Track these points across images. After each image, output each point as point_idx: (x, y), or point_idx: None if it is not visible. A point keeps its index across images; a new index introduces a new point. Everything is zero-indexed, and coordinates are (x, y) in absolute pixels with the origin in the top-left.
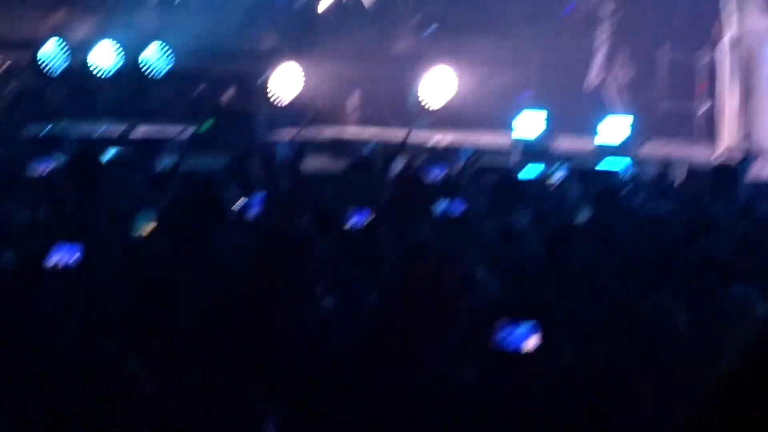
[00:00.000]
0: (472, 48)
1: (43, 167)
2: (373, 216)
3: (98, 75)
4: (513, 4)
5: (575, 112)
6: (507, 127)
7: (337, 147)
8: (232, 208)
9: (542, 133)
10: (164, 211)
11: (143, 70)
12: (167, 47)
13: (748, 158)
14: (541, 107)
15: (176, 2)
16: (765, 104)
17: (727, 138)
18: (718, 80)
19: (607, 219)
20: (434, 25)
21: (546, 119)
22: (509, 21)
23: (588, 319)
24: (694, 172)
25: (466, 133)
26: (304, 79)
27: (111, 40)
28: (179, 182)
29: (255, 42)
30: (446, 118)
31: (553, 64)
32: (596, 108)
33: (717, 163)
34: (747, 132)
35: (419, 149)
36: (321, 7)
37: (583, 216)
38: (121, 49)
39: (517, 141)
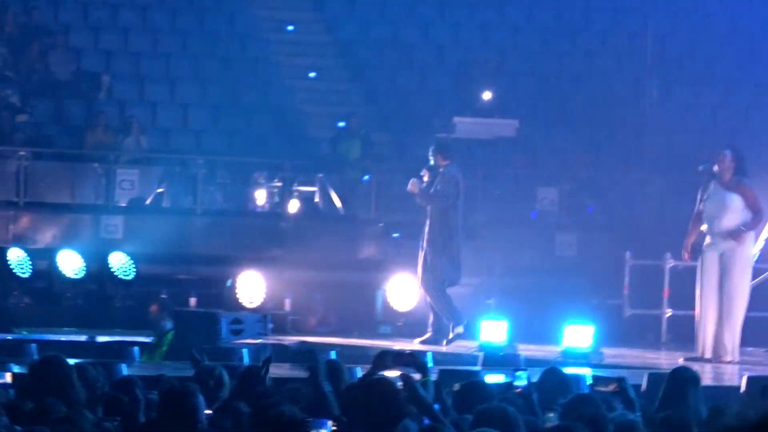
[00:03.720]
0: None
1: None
2: (336, 427)
3: (63, 281)
4: (478, 214)
5: (538, 320)
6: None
7: (302, 354)
8: (201, 416)
9: (506, 341)
10: (129, 419)
11: (107, 277)
12: (129, 255)
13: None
14: (502, 316)
15: (136, 214)
16: (736, 311)
17: (699, 344)
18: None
19: (573, 426)
20: (397, 234)
21: (508, 329)
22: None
23: None
24: (655, 380)
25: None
26: (266, 286)
27: (73, 249)
28: (145, 389)
29: (218, 249)
30: (410, 326)
31: (516, 270)
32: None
33: (674, 368)
34: (718, 338)
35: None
36: (289, 212)
37: (550, 422)
38: (82, 258)
39: (483, 347)
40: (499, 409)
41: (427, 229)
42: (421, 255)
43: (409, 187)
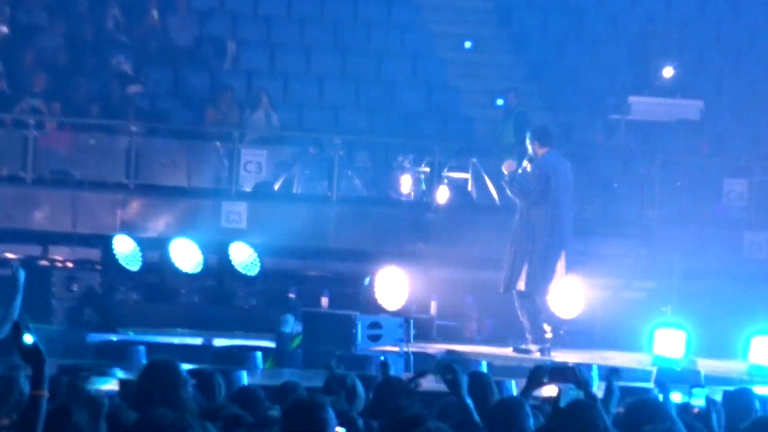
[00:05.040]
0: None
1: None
2: None
3: (177, 275)
4: (654, 208)
5: (722, 331)
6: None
7: (441, 365)
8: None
9: (684, 354)
10: None
11: (228, 272)
12: (254, 247)
13: None
14: (680, 326)
15: (263, 201)
16: None
17: None
18: None
19: None
20: None
21: (686, 340)
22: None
23: None
24: None
25: (595, 352)
26: (409, 285)
27: (189, 239)
28: (270, 402)
29: (355, 242)
30: (573, 335)
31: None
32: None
33: None
34: None
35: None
36: (438, 201)
37: None
38: (200, 249)
39: (657, 360)
40: None
41: (514, 227)
42: (510, 256)
43: (504, 167)
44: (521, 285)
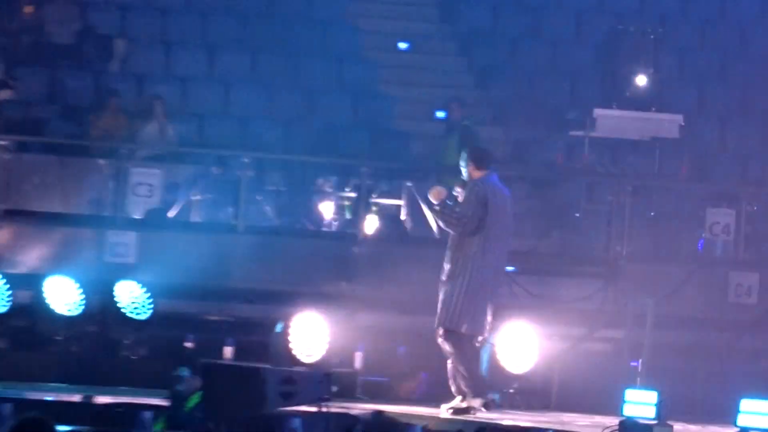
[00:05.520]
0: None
1: None
2: None
3: (52, 319)
4: (623, 243)
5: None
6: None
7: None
8: None
9: (656, 416)
10: None
11: (113, 315)
12: (144, 286)
13: None
14: (652, 385)
15: (156, 231)
16: None
17: None
18: None
19: None
20: (512, 268)
21: (658, 401)
22: (614, 261)
23: None
24: None
25: (552, 415)
26: (330, 333)
27: (67, 276)
28: None
29: (265, 281)
30: (526, 394)
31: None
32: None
33: None
34: None
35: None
36: (365, 232)
37: None
38: (80, 288)
39: (626, 425)
40: None
41: (445, 260)
42: (440, 294)
43: (431, 194)
44: (454, 326)
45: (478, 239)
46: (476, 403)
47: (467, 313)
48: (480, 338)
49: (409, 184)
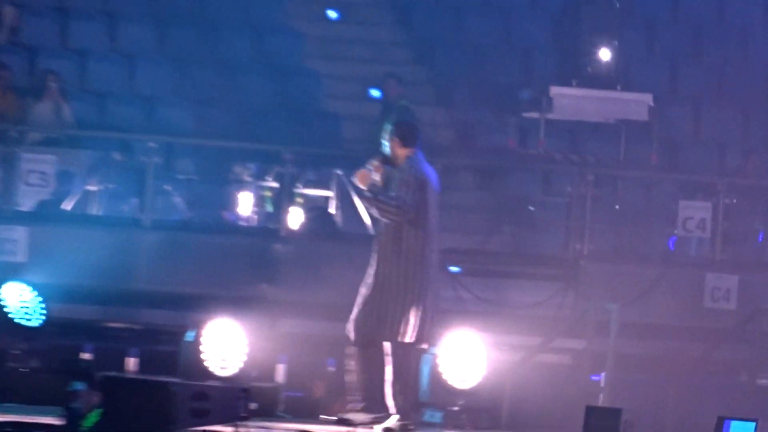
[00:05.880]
0: None
1: None
2: None
3: None
4: (584, 240)
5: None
6: None
7: None
8: None
9: None
10: None
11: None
12: (35, 288)
13: None
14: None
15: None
16: None
17: None
18: None
19: None
20: (456, 268)
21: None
22: (574, 260)
23: None
24: None
25: None
26: (248, 343)
27: None
28: None
29: (174, 282)
30: (472, 412)
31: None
32: None
33: None
34: None
35: None
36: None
37: None
38: None
39: None
40: None
41: (374, 255)
42: (361, 293)
43: (357, 178)
44: (398, 335)
45: (413, 230)
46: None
47: (412, 319)
48: (422, 346)
49: (339, 172)
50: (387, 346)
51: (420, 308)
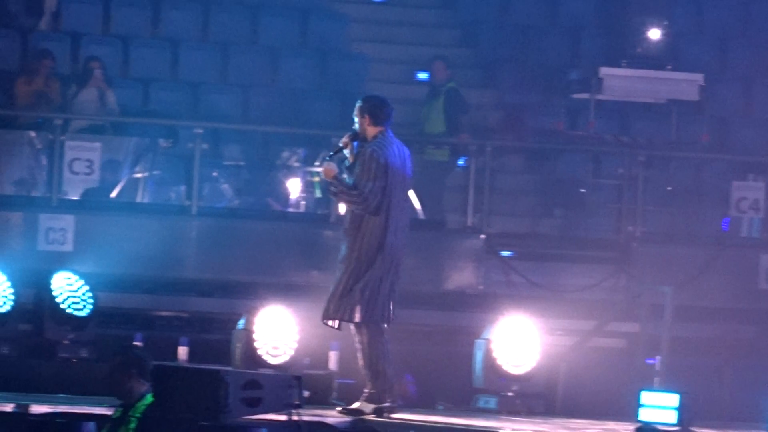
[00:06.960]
0: None
1: None
2: None
3: None
4: (636, 223)
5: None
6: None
7: None
8: None
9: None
10: None
11: (49, 312)
12: (84, 278)
13: None
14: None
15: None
16: None
17: None
18: None
19: None
20: (508, 252)
21: (680, 404)
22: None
23: None
24: None
25: (557, 421)
26: (299, 330)
27: None
28: None
29: (224, 270)
30: (526, 397)
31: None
32: None
33: None
34: None
35: None
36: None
37: None
38: (9, 281)
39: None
40: None
41: (344, 242)
42: (334, 281)
43: (323, 170)
44: (356, 315)
45: (380, 218)
46: (367, 408)
47: (366, 301)
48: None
49: None
50: (352, 327)
51: (379, 289)
